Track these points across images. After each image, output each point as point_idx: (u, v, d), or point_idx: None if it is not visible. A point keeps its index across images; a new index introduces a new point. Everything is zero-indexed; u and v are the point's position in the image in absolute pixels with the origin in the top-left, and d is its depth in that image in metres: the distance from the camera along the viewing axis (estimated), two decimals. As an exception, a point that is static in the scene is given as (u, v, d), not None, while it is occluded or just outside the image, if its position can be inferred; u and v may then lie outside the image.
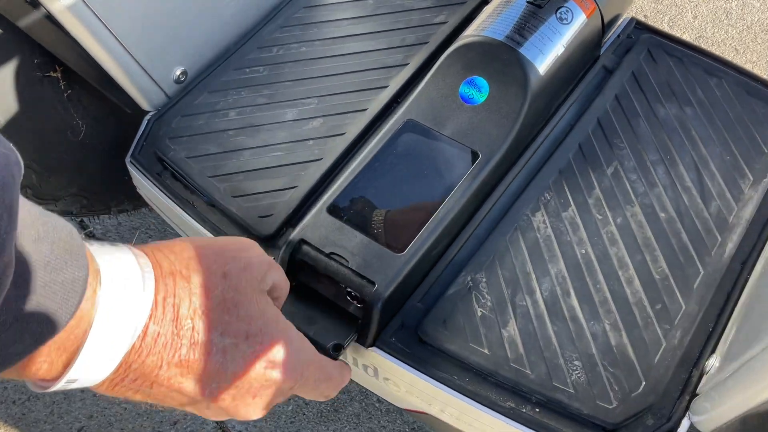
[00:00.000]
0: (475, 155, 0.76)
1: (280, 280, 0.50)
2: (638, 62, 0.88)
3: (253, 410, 0.46)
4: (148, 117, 0.87)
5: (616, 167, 0.80)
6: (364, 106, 0.86)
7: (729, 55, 1.35)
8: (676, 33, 0.88)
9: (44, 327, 0.33)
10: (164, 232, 1.30)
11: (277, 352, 0.45)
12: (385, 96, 0.87)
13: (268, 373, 0.45)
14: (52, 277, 0.32)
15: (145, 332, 0.38)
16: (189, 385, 0.41)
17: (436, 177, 0.76)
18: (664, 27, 0.90)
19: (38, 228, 0.32)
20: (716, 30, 1.39)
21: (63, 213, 0.98)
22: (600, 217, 0.76)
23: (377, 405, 1.10)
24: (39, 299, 0.32)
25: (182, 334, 0.40)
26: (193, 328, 0.40)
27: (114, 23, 0.79)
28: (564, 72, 0.83)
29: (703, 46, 0.92)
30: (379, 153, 0.77)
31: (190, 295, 0.40)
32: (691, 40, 0.91)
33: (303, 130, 0.84)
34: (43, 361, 0.35)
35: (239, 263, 0.45)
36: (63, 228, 0.34)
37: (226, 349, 0.41)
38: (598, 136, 0.82)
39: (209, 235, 0.79)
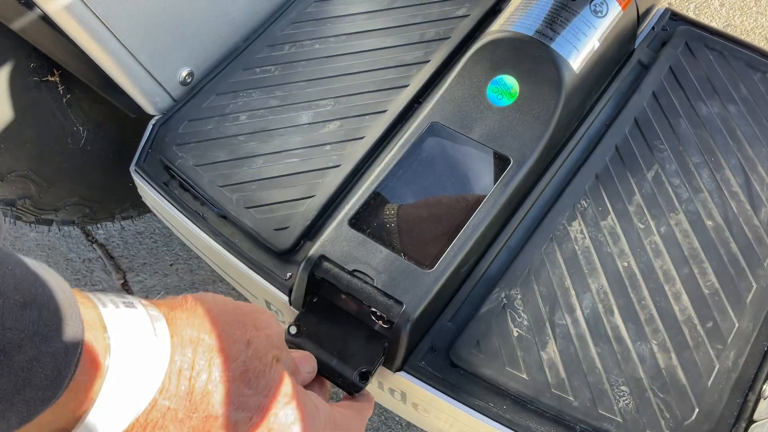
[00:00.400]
0: (505, 161, 0.71)
1: (287, 363, 0.47)
2: (676, 56, 0.82)
3: None
4: (153, 122, 0.82)
5: (657, 171, 0.74)
6: (383, 107, 0.80)
7: (759, 45, 1.29)
8: (697, 20, 0.83)
9: (32, 406, 0.28)
10: (169, 237, 1.25)
11: (288, 427, 0.42)
12: (405, 96, 0.81)
13: None
14: (40, 349, 0.27)
15: (153, 406, 0.35)
16: None
17: (465, 185, 0.71)
18: (689, 15, 0.84)
19: (25, 291, 0.27)
20: (745, 18, 1.32)
21: (64, 223, 0.93)
22: (642, 226, 0.70)
23: (397, 418, 1.05)
24: (26, 375, 0.27)
25: (196, 407, 0.37)
26: (209, 402, 0.37)
27: (114, 23, 0.73)
28: (599, 68, 0.77)
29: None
30: (402, 159, 0.72)
31: (210, 366, 0.37)
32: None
33: (319, 134, 0.79)
34: None
35: (263, 331, 0.42)
36: (55, 285, 0.29)
37: (239, 424, 0.39)
38: (636, 137, 0.76)
39: (220, 248, 0.74)
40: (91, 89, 0.79)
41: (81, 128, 0.82)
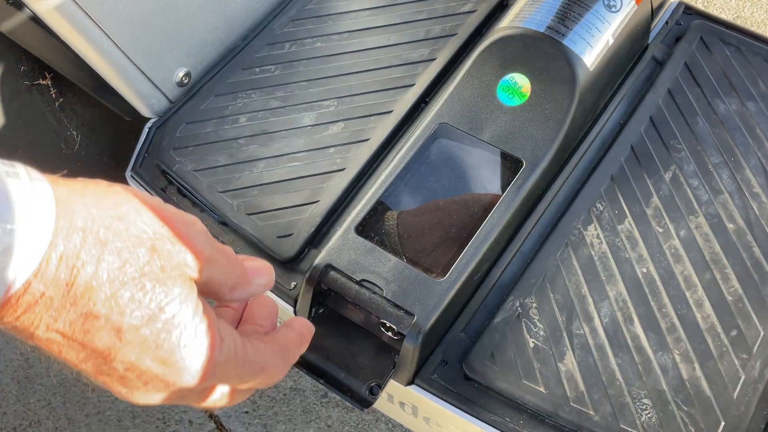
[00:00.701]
0: (518, 163, 0.68)
1: (221, 277, 0.41)
2: (691, 52, 0.79)
3: (145, 396, 0.38)
4: (149, 125, 0.79)
5: (674, 172, 0.71)
6: (388, 107, 0.77)
7: (769, 37, 1.26)
8: (712, 14, 0.80)
9: None
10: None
11: (182, 348, 0.37)
12: (411, 96, 0.78)
13: (166, 369, 0.37)
14: None
15: (26, 289, 0.32)
16: (71, 355, 0.35)
17: (476, 189, 0.68)
18: (702, 8, 0.82)
19: None
20: (755, 10, 1.29)
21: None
22: (661, 230, 0.68)
23: (405, 428, 1.03)
24: None
25: (75, 301, 0.33)
26: (90, 299, 0.34)
27: (107, 23, 0.70)
28: (613, 65, 0.74)
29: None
30: (410, 162, 0.69)
31: (98, 262, 0.34)
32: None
33: (322, 137, 0.76)
34: None
35: (176, 242, 0.37)
36: None
37: (122, 331, 0.35)
38: (652, 137, 0.74)
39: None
40: (85, 92, 0.76)
41: (75, 132, 0.79)
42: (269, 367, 0.43)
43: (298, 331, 0.50)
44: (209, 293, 0.41)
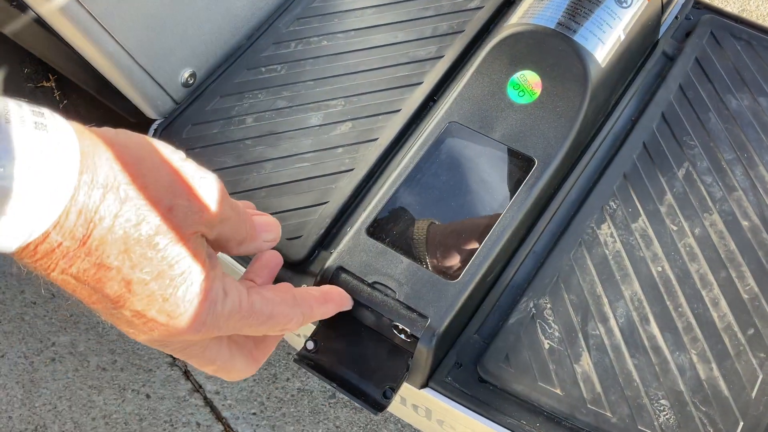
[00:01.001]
0: (529, 161, 0.67)
1: (231, 233, 0.43)
2: (702, 47, 0.79)
3: (150, 341, 0.41)
4: (154, 126, 0.78)
5: (687, 169, 0.70)
6: (397, 106, 0.77)
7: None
8: (721, 8, 0.79)
9: None
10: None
11: (188, 303, 0.39)
12: (419, 94, 0.77)
13: (171, 321, 0.39)
14: None
15: (45, 238, 0.34)
16: (83, 294, 0.38)
17: (488, 188, 0.67)
18: (712, 3, 0.81)
19: None
20: (761, 3, 1.28)
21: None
22: (675, 228, 0.67)
23: (415, 429, 1.02)
24: None
25: (89, 252, 0.35)
26: (104, 252, 0.35)
27: (112, 23, 0.69)
28: (624, 61, 0.73)
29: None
30: (420, 162, 0.68)
31: (114, 218, 0.35)
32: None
33: (330, 137, 0.75)
34: None
35: (192, 200, 0.39)
36: None
37: (131, 283, 0.37)
38: (665, 133, 0.73)
39: (230, 260, 0.70)
40: (89, 94, 0.75)
41: (79, 135, 0.78)
42: (277, 314, 0.45)
43: (324, 290, 0.54)
44: (218, 248, 0.44)
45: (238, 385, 0.99)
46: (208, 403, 0.98)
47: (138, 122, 0.79)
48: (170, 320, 0.39)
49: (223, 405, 0.98)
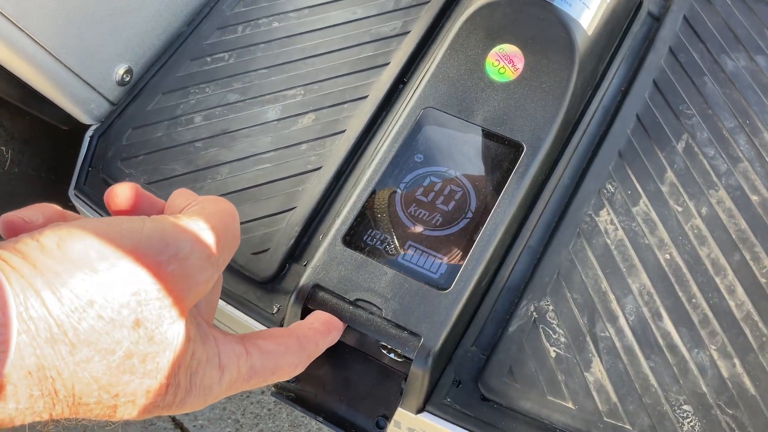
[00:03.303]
0: (517, 147, 0.60)
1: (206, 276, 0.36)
2: (689, 4, 0.72)
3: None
4: (90, 133, 0.68)
5: (687, 141, 0.64)
6: (363, 92, 0.69)
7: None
8: None
9: None
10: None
11: (180, 403, 0.35)
12: (387, 76, 0.69)
13: (164, 412, 0.35)
14: None
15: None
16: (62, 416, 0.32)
17: (474, 181, 0.60)
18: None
19: None
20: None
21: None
22: (680, 209, 0.61)
23: None
24: None
25: (54, 402, 0.29)
26: (74, 397, 0.30)
27: (29, 23, 0.59)
28: (611, 26, 0.66)
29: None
30: (396, 156, 0.60)
31: (75, 366, 0.29)
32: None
33: (292, 132, 0.67)
34: None
35: (161, 293, 0.32)
36: None
37: (117, 407, 0.32)
38: (658, 103, 0.66)
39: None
40: (11, 104, 0.65)
41: (4, 149, 0.68)
42: (281, 366, 0.41)
43: (325, 320, 0.49)
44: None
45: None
46: (178, 425, 0.90)
47: (71, 129, 0.70)
48: (167, 411, 0.35)
49: (194, 426, 0.90)
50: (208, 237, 0.34)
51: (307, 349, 0.44)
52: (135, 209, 0.37)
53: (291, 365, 0.42)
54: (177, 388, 0.34)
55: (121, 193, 0.37)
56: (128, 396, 0.31)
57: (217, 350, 0.36)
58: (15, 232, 0.33)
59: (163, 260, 0.32)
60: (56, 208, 0.35)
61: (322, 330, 0.47)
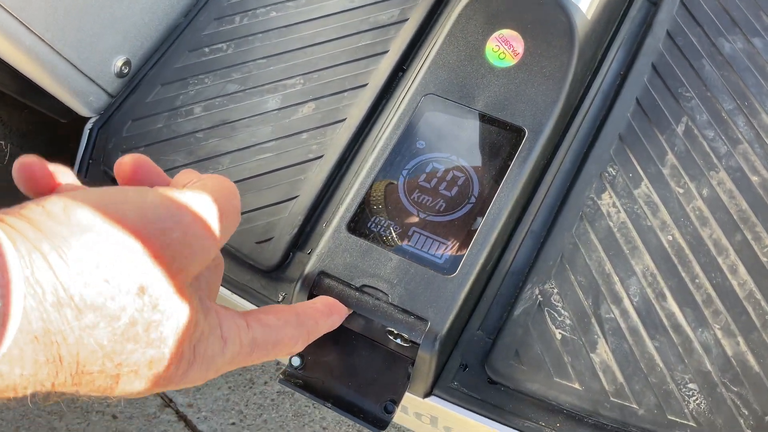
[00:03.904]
0: (519, 132, 0.60)
1: (212, 254, 0.36)
2: (686, -13, 0.72)
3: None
4: (89, 125, 0.68)
5: (687, 124, 0.65)
6: (363, 80, 0.69)
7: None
8: None
9: None
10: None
11: (182, 376, 0.35)
12: (387, 64, 0.69)
13: (166, 388, 0.35)
14: None
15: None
16: (66, 388, 0.31)
17: (476, 166, 0.60)
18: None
19: None
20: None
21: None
22: (681, 191, 0.61)
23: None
24: None
25: (58, 370, 0.29)
26: (78, 364, 0.29)
27: (27, 14, 0.59)
28: (609, 10, 0.67)
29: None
30: (398, 143, 0.60)
31: (80, 331, 0.29)
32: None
33: (292, 121, 0.67)
34: None
35: (171, 264, 0.32)
36: None
37: (119, 377, 0.31)
38: (657, 86, 0.67)
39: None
40: (9, 97, 0.65)
41: (4, 143, 0.68)
42: (282, 338, 0.41)
43: (327, 302, 0.49)
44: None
45: (213, 395, 0.91)
46: (182, 417, 0.90)
47: (70, 122, 0.69)
48: (169, 384, 0.34)
49: (198, 418, 0.90)
50: (210, 208, 0.34)
51: (306, 325, 0.43)
52: (142, 181, 0.37)
53: (291, 339, 0.41)
54: (180, 359, 0.33)
55: (129, 163, 0.37)
56: (131, 366, 0.31)
57: (219, 322, 0.36)
58: (28, 177, 0.33)
59: (166, 227, 0.32)
60: (73, 176, 0.35)
61: (323, 310, 0.47)
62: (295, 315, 0.43)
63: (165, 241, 0.31)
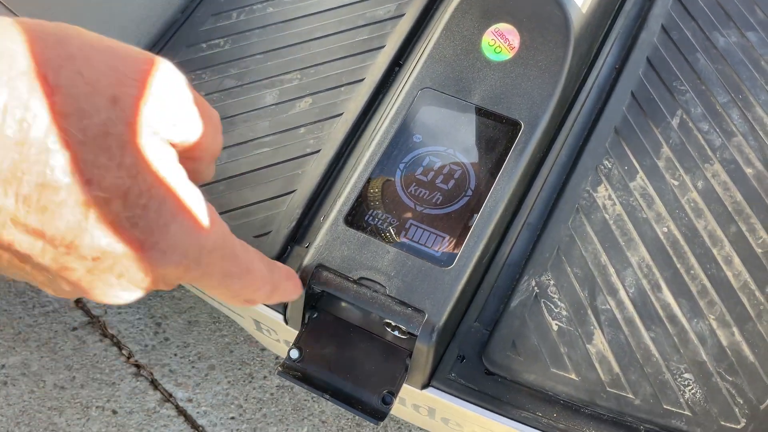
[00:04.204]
0: (515, 125, 0.61)
1: (206, 142, 0.34)
2: (680, -18, 0.73)
3: (115, 294, 0.32)
4: (87, 121, 0.68)
5: (682, 117, 0.65)
6: (360, 75, 0.69)
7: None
8: None
9: None
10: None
11: (163, 227, 0.30)
12: (383, 59, 0.70)
13: (145, 254, 0.30)
14: None
15: None
16: (22, 247, 0.28)
17: (473, 159, 0.60)
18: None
19: None
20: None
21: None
22: (676, 183, 0.62)
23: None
24: None
25: (29, 168, 0.26)
26: (47, 164, 0.27)
27: (21, 8, 0.59)
28: (604, 5, 0.67)
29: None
30: (395, 137, 0.61)
31: (51, 113, 0.27)
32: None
33: (289, 116, 0.67)
34: None
35: (142, 88, 0.30)
36: None
37: (90, 205, 0.28)
38: (652, 80, 0.67)
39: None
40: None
41: None
42: (254, 270, 0.38)
43: (288, 268, 0.47)
44: (187, 162, 0.34)
45: (212, 390, 0.92)
46: (181, 412, 0.91)
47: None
48: (143, 254, 0.30)
49: (197, 412, 0.91)
50: (185, 84, 0.33)
51: (274, 275, 0.41)
52: None
53: (261, 277, 0.39)
54: (161, 203, 0.30)
55: None
56: (103, 191, 0.28)
57: (212, 210, 0.34)
58: None
59: (143, 58, 0.31)
60: None
61: (284, 271, 0.45)
62: (267, 260, 0.41)
63: (141, 66, 0.30)
